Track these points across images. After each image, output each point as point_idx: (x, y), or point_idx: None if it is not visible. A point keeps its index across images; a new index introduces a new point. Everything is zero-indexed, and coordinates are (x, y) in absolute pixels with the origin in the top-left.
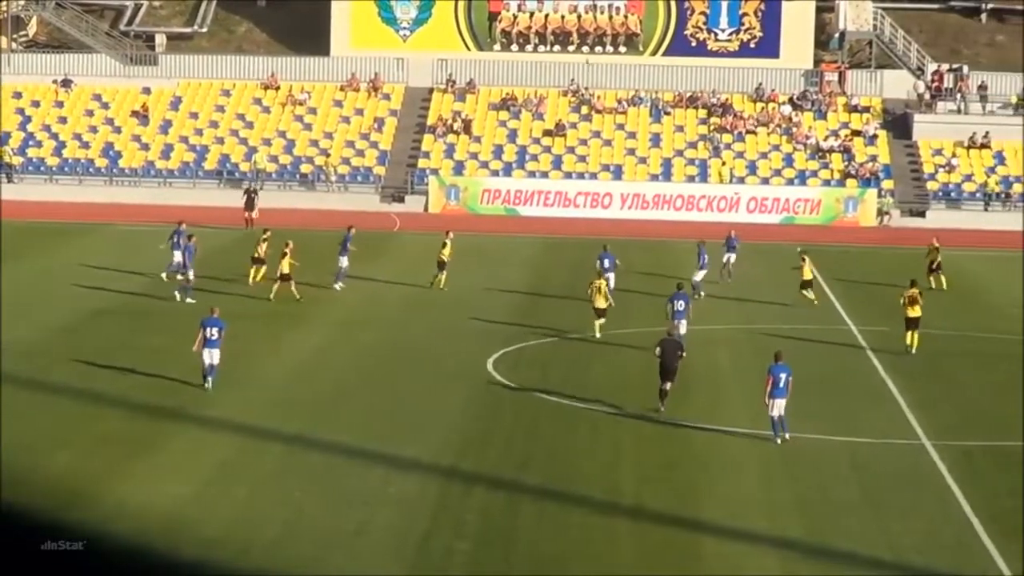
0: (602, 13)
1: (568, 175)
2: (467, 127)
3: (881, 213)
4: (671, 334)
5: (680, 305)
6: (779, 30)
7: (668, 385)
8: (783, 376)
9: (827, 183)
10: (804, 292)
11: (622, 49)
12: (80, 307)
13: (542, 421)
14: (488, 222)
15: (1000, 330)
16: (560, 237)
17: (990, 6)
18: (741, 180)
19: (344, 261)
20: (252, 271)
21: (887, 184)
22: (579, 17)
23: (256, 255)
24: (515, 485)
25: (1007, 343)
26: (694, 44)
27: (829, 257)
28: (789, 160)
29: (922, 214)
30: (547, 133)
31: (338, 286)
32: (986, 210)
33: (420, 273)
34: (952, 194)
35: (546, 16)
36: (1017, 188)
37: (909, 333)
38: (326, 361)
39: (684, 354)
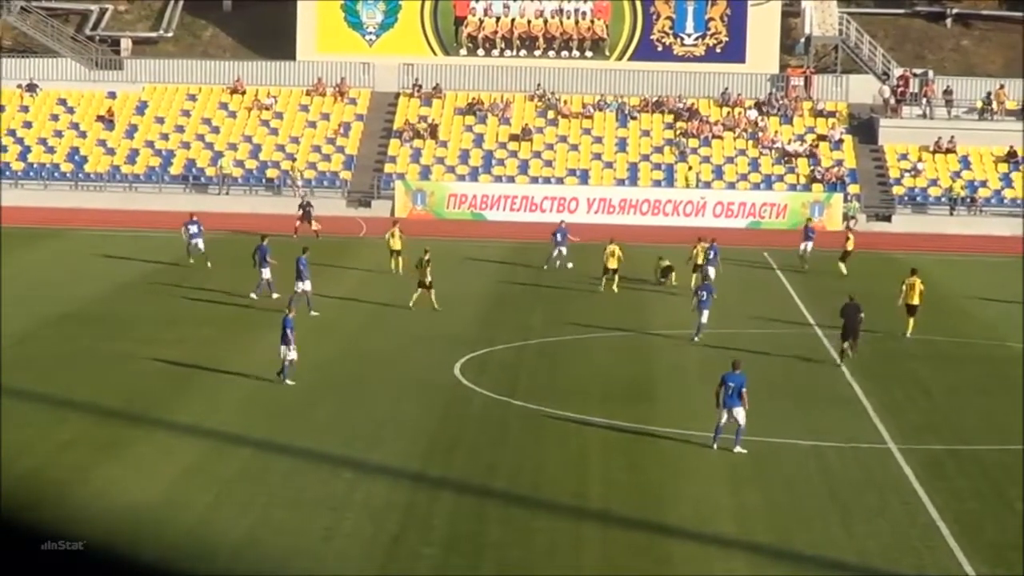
0: (568, 18)
1: (534, 180)
2: (433, 132)
3: (847, 217)
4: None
5: (703, 295)
6: (745, 35)
7: (847, 344)
8: (732, 385)
9: (793, 188)
10: (840, 263)
11: (588, 54)
12: (44, 312)
13: (509, 426)
14: (454, 227)
15: (965, 334)
16: (527, 242)
17: (955, 11)
18: (707, 185)
19: (266, 272)
20: (418, 295)
21: (853, 189)
22: (545, 22)
23: (425, 280)
24: (482, 490)
25: (972, 347)
26: (660, 49)
27: (794, 261)
28: (755, 165)
29: (888, 219)
30: (513, 138)
31: (253, 295)
32: (951, 214)
33: (387, 278)
34: (918, 199)
35: (512, 21)
36: (982, 192)
37: (911, 320)
38: (293, 366)
39: (863, 315)
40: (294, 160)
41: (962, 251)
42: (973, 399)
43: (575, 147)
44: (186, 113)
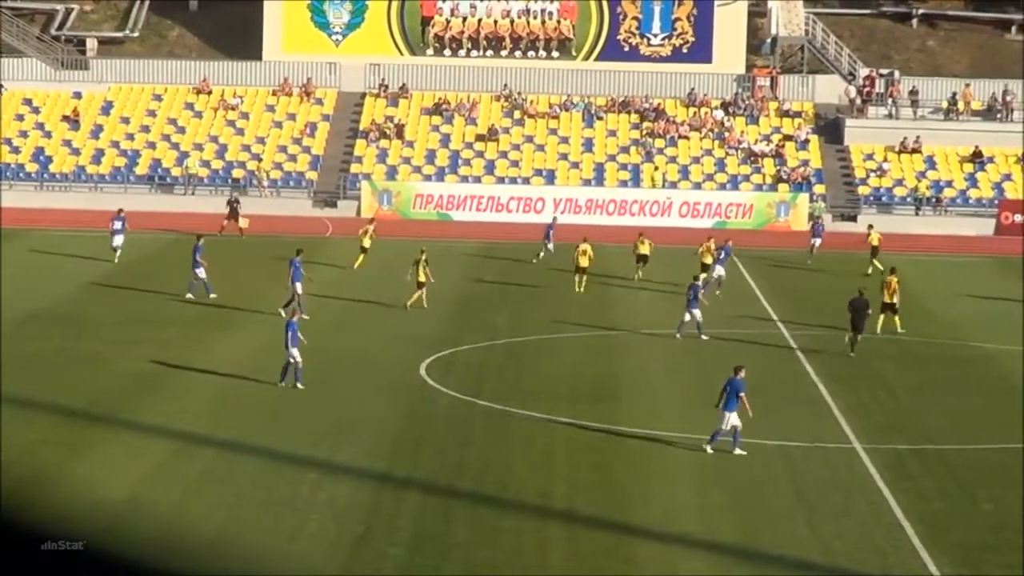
0: (535, 18)
1: (501, 180)
2: (400, 132)
3: (813, 218)
4: None
5: (691, 295)
6: (711, 35)
7: (856, 336)
8: (731, 389)
9: (759, 188)
10: (874, 261)
11: (555, 54)
12: (9, 313)
13: (475, 426)
14: (421, 227)
15: (930, 334)
16: (493, 242)
17: (921, 11)
18: (673, 185)
19: (201, 272)
20: (416, 296)
21: (819, 189)
22: (512, 22)
23: (420, 280)
24: (448, 490)
25: (937, 346)
26: (627, 49)
27: (761, 261)
28: (721, 165)
29: (853, 218)
30: (480, 138)
31: (190, 296)
32: (917, 214)
33: (352, 279)
34: (883, 199)
35: (479, 21)
36: (948, 192)
37: (883, 316)
38: (259, 367)
39: (870, 311)
40: (260, 160)
41: (928, 251)
42: (939, 399)
43: (541, 147)
44: (152, 113)
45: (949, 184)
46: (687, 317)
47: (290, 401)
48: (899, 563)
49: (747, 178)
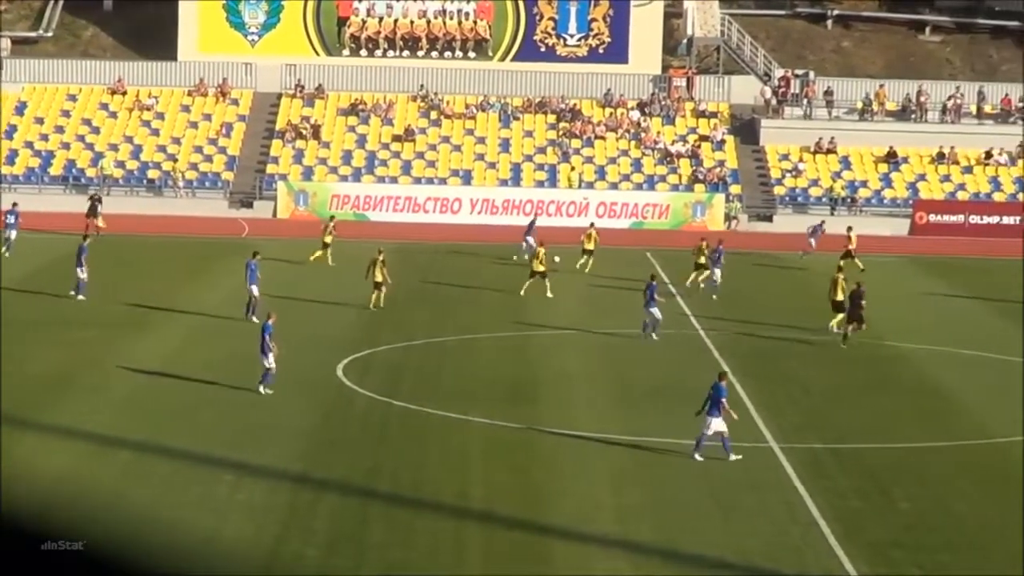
0: (451, 18)
1: (417, 180)
2: (316, 132)
3: (729, 218)
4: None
5: (648, 295)
6: (627, 36)
7: (852, 327)
8: (713, 395)
9: (675, 188)
10: (855, 261)
11: (471, 54)
12: None
13: (392, 427)
14: (337, 227)
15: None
16: (410, 242)
17: (835, 12)
18: (590, 185)
19: (82, 273)
20: (375, 295)
21: (735, 189)
22: (428, 22)
23: (377, 280)
24: (365, 491)
25: (852, 346)
26: (543, 49)
27: (677, 262)
28: (638, 165)
29: (769, 219)
30: (396, 138)
31: (80, 297)
32: (832, 214)
33: (268, 281)
34: (799, 199)
35: (395, 21)
36: (862, 192)
37: (837, 316)
38: (175, 369)
39: (865, 303)
40: (175, 161)
41: (841, 251)
42: (855, 398)
43: (458, 148)
44: (66, 114)
45: (864, 184)
46: (655, 316)
47: (207, 403)
48: (815, 562)
49: (663, 178)
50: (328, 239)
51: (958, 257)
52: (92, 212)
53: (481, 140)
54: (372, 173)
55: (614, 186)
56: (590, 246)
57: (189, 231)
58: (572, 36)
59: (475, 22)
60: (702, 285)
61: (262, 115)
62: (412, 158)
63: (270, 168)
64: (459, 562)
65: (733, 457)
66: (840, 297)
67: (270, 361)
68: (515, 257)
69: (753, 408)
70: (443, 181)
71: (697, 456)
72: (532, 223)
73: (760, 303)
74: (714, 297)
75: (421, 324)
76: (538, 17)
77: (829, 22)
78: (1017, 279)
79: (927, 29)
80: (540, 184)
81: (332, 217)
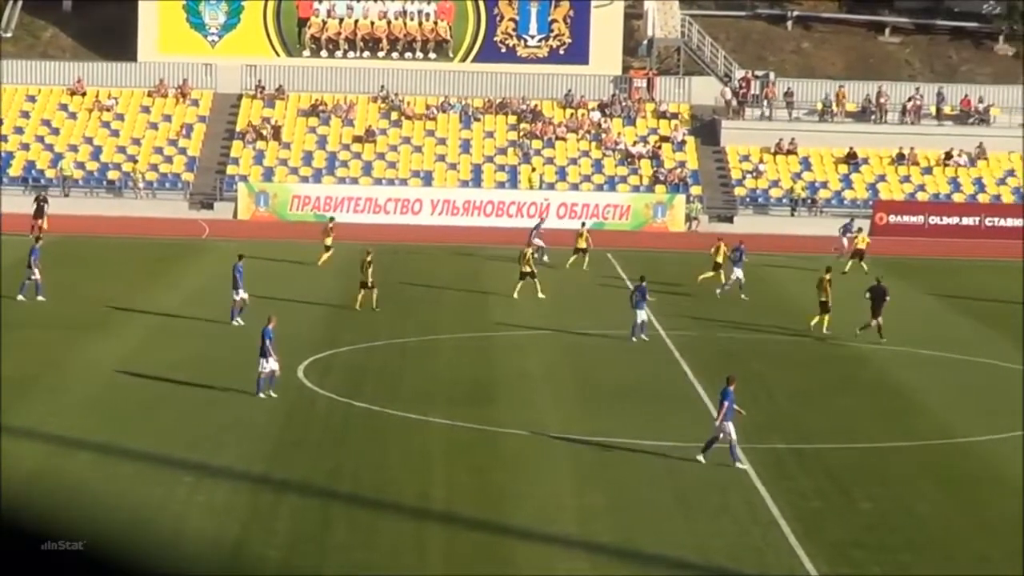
0: (412, 19)
1: (378, 181)
2: (276, 133)
3: (689, 219)
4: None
5: (637, 296)
6: (588, 37)
7: (875, 322)
8: (726, 401)
9: (636, 189)
10: (861, 263)
11: (432, 55)
12: None
13: (353, 428)
14: (298, 229)
15: (805, 334)
16: (371, 244)
17: (796, 14)
18: (551, 186)
19: (35, 274)
20: (362, 295)
21: (695, 190)
22: (389, 23)
23: (363, 280)
24: (326, 492)
25: (814, 347)
26: (504, 50)
27: (638, 262)
28: (598, 166)
29: (730, 219)
30: (357, 139)
31: (20, 297)
32: (792, 215)
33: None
34: (759, 200)
35: (356, 22)
36: (822, 193)
37: (820, 316)
38: (135, 370)
39: (888, 298)
40: (135, 162)
41: (803, 252)
42: (816, 399)
43: (419, 149)
44: (25, 114)
45: (824, 185)
46: (643, 317)
47: (167, 404)
48: (776, 562)
49: (624, 179)
50: (328, 241)
51: (918, 258)
52: (39, 213)
53: (442, 141)
54: (333, 174)
55: (575, 187)
56: (582, 245)
57: (149, 232)
58: (533, 37)
59: (436, 23)
60: (726, 287)
61: (222, 116)
62: (373, 159)
63: (230, 169)
64: (421, 563)
65: (740, 466)
66: (825, 297)
67: (271, 364)
68: (545, 259)
69: (714, 408)
70: (404, 182)
71: (701, 458)
72: (539, 224)
73: (733, 304)
74: (744, 297)
75: (383, 325)
76: (499, 18)
77: (789, 23)
78: (976, 279)
79: (887, 30)
80: (501, 185)
81: (332, 219)
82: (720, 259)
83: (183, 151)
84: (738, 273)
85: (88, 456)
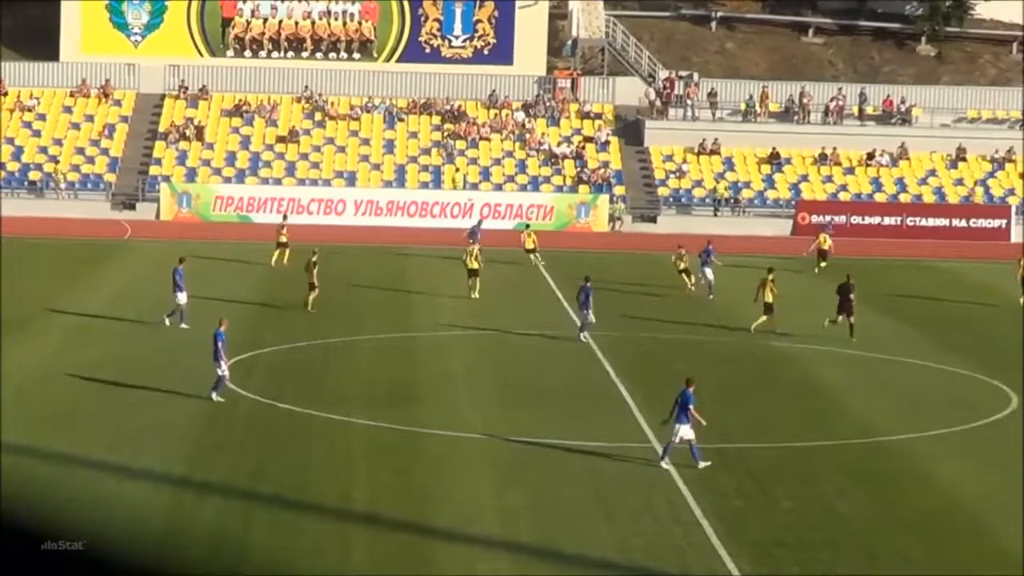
0: (336, 20)
1: (302, 182)
2: (199, 133)
3: (613, 219)
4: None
5: (582, 297)
6: (512, 37)
7: (840, 318)
8: (681, 401)
9: (560, 189)
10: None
11: (356, 55)
12: None
13: (276, 429)
14: (221, 229)
15: (728, 333)
16: (293, 244)
17: (720, 14)
18: (475, 186)
19: None
20: (312, 296)
21: (619, 190)
22: (313, 23)
23: (312, 281)
24: (248, 494)
25: (736, 346)
26: (428, 51)
27: (562, 263)
28: (522, 166)
29: (653, 219)
30: (280, 140)
31: None
32: (716, 215)
33: (151, 283)
34: (682, 200)
35: (280, 22)
36: (746, 193)
37: (764, 317)
38: (56, 371)
39: (854, 296)
40: (57, 162)
41: (726, 252)
42: (738, 399)
43: (342, 149)
44: None
45: (747, 185)
46: (590, 318)
47: (88, 406)
48: (697, 561)
49: (548, 180)
50: (283, 239)
51: (840, 257)
52: None
53: (366, 141)
54: (256, 175)
55: (499, 187)
56: (530, 245)
57: (71, 233)
58: (457, 37)
59: (360, 23)
60: (692, 288)
61: (145, 116)
62: (296, 159)
63: (153, 169)
64: (343, 564)
65: (702, 464)
66: (770, 299)
67: (223, 368)
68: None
69: (636, 408)
70: (327, 183)
71: (664, 464)
72: (479, 225)
73: (641, 305)
74: (711, 297)
75: (306, 326)
76: (423, 18)
77: (713, 24)
78: (897, 279)
79: (810, 31)
80: (425, 185)
81: (285, 217)
82: (684, 264)
83: (105, 151)
84: (707, 273)
85: (7, 459)
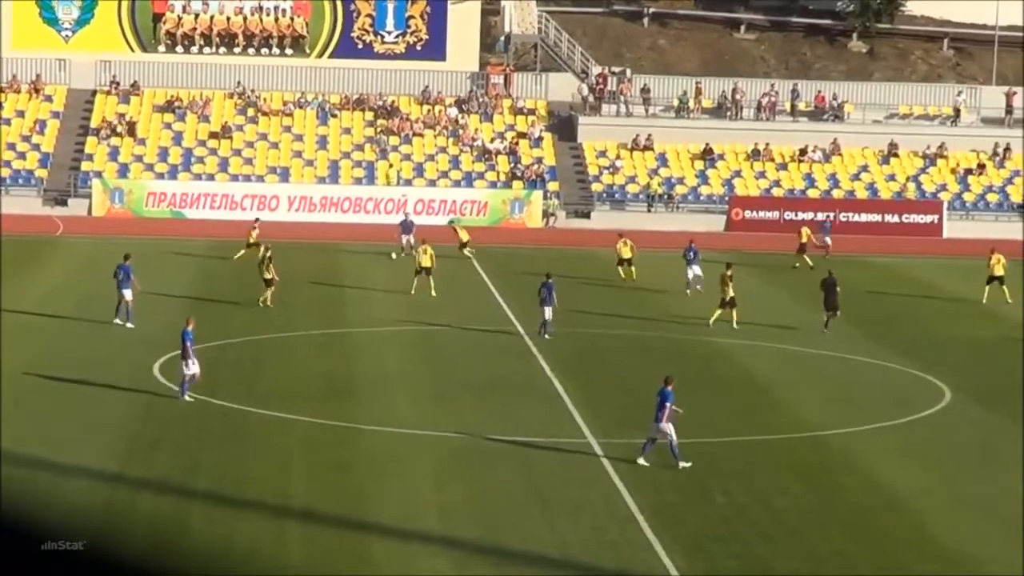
0: (268, 15)
1: (235, 177)
2: (131, 129)
3: (547, 214)
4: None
5: (543, 293)
6: (445, 33)
7: (828, 314)
8: (659, 399)
9: (493, 185)
10: (805, 257)
11: (288, 51)
12: None
13: (211, 426)
14: (153, 225)
15: (664, 329)
16: (227, 240)
17: (652, 11)
18: (408, 182)
19: None
20: (269, 293)
21: (552, 186)
22: (245, 19)
23: (267, 277)
24: (184, 491)
25: (671, 341)
26: (360, 46)
27: (496, 259)
28: (456, 162)
29: (587, 215)
30: (213, 135)
31: None
32: (649, 211)
33: (84, 279)
34: (616, 196)
35: (211, 18)
36: (679, 189)
37: (724, 310)
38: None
39: (839, 289)
40: None
41: (660, 247)
42: (675, 393)
43: (275, 145)
44: None
45: (680, 181)
46: (547, 315)
47: (23, 404)
48: (633, 556)
49: (481, 175)
50: (252, 238)
51: (773, 253)
52: None
53: (299, 137)
54: (189, 170)
55: (432, 183)
56: (464, 238)
57: (2, 229)
58: (390, 33)
59: (292, 19)
60: (688, 288)
61: (76, 112)
62: (229, 155)
63: (85, 165)
64: (279, 561)
65: (683, 464)
66: (729, 293)
67: (193, 367)
68: (393, 256)
69: (572, 404)
70: (260, 179)
71: (641, 461)
72: (410, 221)
73: (582, 300)
74: (699, 288)
75: (238, 322)
76: (355, 14)
77: (646, 20)
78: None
79: (742, 27)
80: (358, 181)
81: (257, 219)
82: (627, 254)
83: (37, 147)
84: (696, 271)
85: None
